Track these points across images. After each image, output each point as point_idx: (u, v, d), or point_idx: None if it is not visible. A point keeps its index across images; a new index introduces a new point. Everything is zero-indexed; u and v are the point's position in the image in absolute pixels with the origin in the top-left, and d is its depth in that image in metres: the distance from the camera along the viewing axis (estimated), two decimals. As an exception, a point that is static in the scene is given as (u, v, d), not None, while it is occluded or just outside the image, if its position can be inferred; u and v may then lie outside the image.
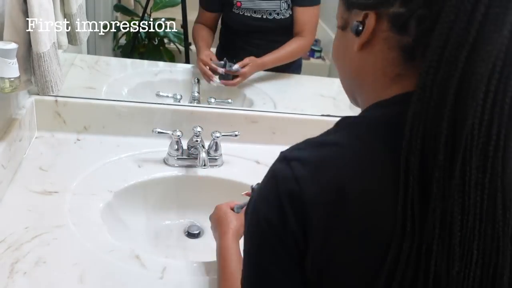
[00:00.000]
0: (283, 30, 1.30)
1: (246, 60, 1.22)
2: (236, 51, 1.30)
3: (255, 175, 1.03)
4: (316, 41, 1.51)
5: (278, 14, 1.27)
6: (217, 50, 1.39)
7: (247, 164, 1.07)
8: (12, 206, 0.82)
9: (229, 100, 1.24)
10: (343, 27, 0.51)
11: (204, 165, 0.94)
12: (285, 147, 0.47)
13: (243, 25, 1.28)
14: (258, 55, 1.27)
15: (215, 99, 1.22)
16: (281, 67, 1.35)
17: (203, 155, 0.94)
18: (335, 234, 0.43)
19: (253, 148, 1.11)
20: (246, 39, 1.32)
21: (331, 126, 0.49)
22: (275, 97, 1.21)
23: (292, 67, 1.41)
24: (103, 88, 1.20)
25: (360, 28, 0.47)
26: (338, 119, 0.49)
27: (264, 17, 1.27)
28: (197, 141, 1.00)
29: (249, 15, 1.26)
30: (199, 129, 0.99)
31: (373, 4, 0.46)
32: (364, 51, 0.48)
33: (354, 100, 0.55)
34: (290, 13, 1.28)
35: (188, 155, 1.02)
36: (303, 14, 1.28)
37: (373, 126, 0.46)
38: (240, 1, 1.25)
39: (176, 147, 1.00)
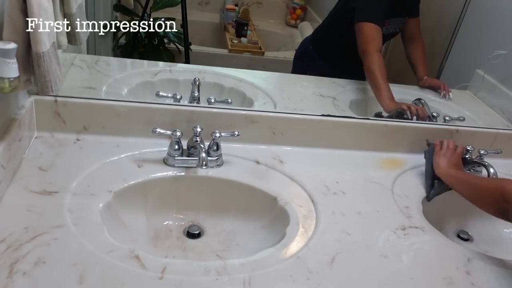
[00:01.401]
0: None
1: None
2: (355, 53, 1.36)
3: (255, 175, 1.03)
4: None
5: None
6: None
7: (247, 164, 1.07)
8: (12, 206, 0.82)
9: (229, 100, 1.24)
10: None
11: (204, 165, 0.94)
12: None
13: None
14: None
15: (215, 99, 1.22)
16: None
17: (203, 155, 0.94)
18: None
19: (253, 148, 1.11)
20: None
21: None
22: (275, 97, 1.20)
23: None
24: (103, 88, 1.19)
25: None
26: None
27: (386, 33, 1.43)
28: (197, 141, 1.00)
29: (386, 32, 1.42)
30: (199, 129, 0.99)
31: None
32: None
33: None
34: None
35: (188, 155, 1.02)
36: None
37: None
38: (388, 22, 1.40)
39: (176, 147, 1.00)
